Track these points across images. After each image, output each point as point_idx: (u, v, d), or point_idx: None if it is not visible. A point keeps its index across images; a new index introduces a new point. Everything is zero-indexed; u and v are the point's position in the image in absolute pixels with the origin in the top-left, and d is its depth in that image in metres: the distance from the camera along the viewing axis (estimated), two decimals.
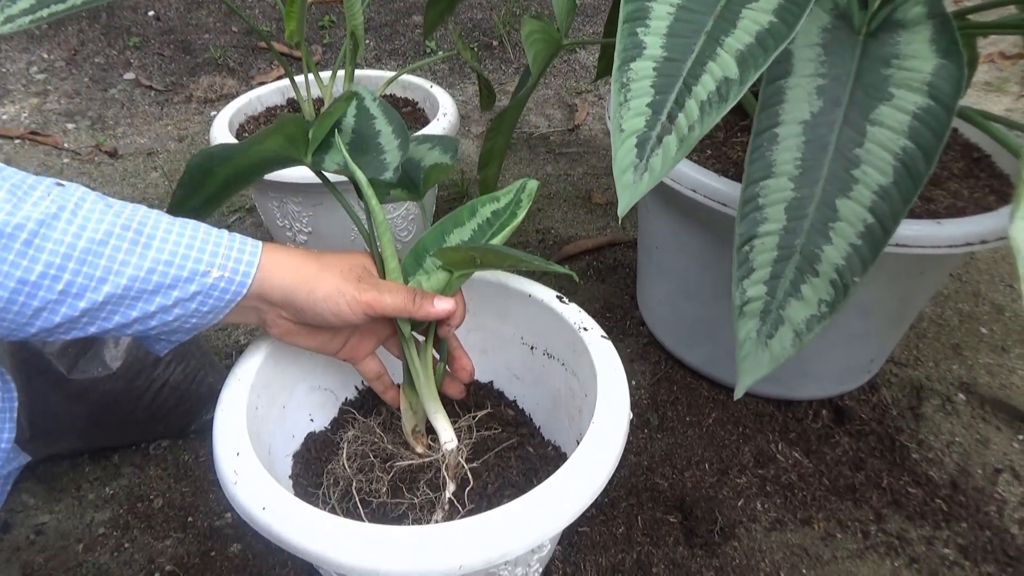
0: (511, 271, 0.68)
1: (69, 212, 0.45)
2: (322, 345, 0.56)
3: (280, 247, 0.53)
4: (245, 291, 0.50)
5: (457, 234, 0.58)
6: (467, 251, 0.51)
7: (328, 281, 0.51)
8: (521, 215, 0.56)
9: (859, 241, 0.48)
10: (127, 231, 0.46)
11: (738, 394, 0.50)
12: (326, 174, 0.57)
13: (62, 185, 0.46)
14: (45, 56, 1.77)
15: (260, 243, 0.51)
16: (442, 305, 0.54)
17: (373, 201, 0.54)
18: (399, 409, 0.60)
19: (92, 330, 0.47)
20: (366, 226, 0.57)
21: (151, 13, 1.91)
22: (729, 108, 0.44)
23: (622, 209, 0.44)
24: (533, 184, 0.56)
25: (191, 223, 0.50)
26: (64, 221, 0.44)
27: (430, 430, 0.59)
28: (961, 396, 0.90)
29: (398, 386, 0.61)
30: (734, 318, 0.51)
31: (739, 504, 0.76)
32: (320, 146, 0.56)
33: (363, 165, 0.55)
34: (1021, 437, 0.84)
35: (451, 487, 0.55)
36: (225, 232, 0.51)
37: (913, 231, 0.63)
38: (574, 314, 0.61)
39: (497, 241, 0.56)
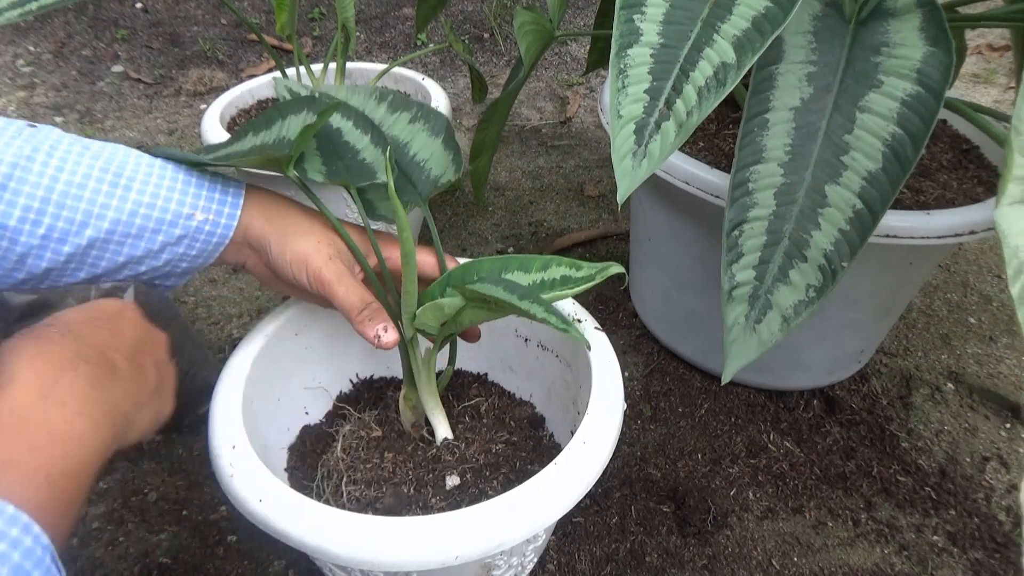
0: None
1: (44, 154, 0.43)
2: (301, 295, 0.55)
3: (268, 193, 0.51)
4: (231, 233, 0.48)
5: (517, 277, 0.53)
6: (480, 292, 0.47)
7: (302, 244, 0.49)
8: (584, 288, 0.51)
9: (847, 227, 0.49)
10: (106, 173, 0.45)
11: (725, 378, 0.51)
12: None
13: (34, 127, 0.45)
14: (31, 49, 1.75)
15: (244, 184, 0.50)
16: (383, 336, 0.49)
17: (404, 224, 0.47)
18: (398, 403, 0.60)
19: (82, 276, 0.46)
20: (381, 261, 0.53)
21: (139, 5, 1.89)
22: (727, 93, 0.44)
23: (621, 195, 0.44)
24: (617, 269, 0.51)
25: (171, 165, 0.48)
26: (39, 163, 0.43)
27: (428, 420, 0.59)
28: (950, 385, 0.91)
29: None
30: (723, 303, 0.51)
31: (731, 493, 0.77)
32: (300, 157, 0.53)
33: (343, 171, 0.53)
34: (1008, 426, 0.85)
35: (448, 480, 0.56)
36: (207, 174, 0.49)
37: (903, 222, 0.64)
38: (568, 306, 0.62)
39: (549, 297, 0.51)
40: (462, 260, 0.64)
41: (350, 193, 0.54)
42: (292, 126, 0.53)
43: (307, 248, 0.50)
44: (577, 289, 0.50)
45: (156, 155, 0.49)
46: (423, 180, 0.56)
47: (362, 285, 0.51)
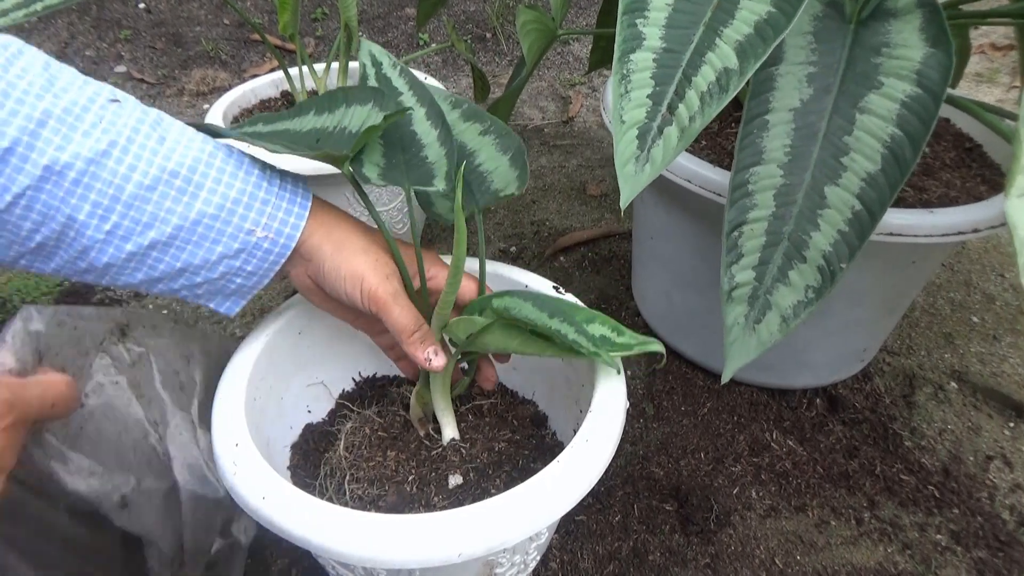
0: (507, 261, 0.68)
1: (119, 150, 0.44)
2: (337, 311, 0.56)
3: (332, 211, 0.52)
4: (288, 253, 0.49)
5: (554, 323, 0.51)
6: (509, 312, 0.47)
7: (359, 262, 0.50)
8: (618, 355, 0.50)
9: (847, 228, 0.49)
10: (175, 178, 0.46)
11: (725, 378, 0.51)
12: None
13: (117, 102, 0.46)
14: None
15: (309, 203, 0.51)
16: (433, 360, 0.51)
17: (462, 238, 0.46)
18: (412, 382, 0.60)
19: (140, 277, 0.47)
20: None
21: (141, 5, 1.89)
22: (730, 99, 0.44)
23: (624, 200, 0.44)
24: (656, 347, 0.50)
25: (243, 170, 0.49)
26: (114, 160, 0.44)
27: (434, 418, 0.59)
28: (953, 384, 0.91)
29: None
30: (722, 303, 0.52)
31: (734, 492, 0.77)
32: (357, 152, 0.52)
33: (402, 166, 0.52)
34: (1012, 424, 0.85)
35: (450, 478, 0.56)
36: (276, 185, 0.50)
37: (906, 220, 0.64)
38: None
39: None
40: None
41: (405, 191, 0.52)
42: (355, 117, 0.51)
43: (365, 265, 0.50)
44: (612, 355, 0.50)
45: (206, 132, 0.50)
46: (482, 190, 0.55)
47: (414, 307, 0.52)
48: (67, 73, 0.45)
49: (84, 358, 0.51)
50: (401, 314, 0.50)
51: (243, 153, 0.50)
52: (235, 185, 0.48)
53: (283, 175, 0.51)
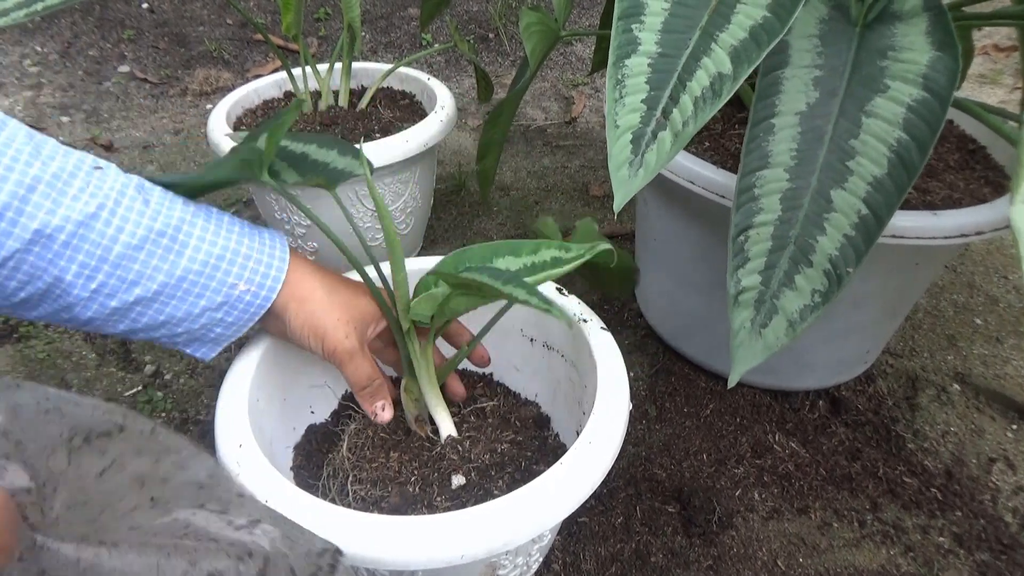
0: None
1: (107, 212, 0.45)
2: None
3: (307, 265, 0.54)
4: (268, 306, 0.51)
5: (506, 262, 0.53)
6: (464, 279, 0.48)
7: (321, 321, 0.53)
8: (574, 267, 0.51)
9: (853, 232, 0.49)
10: (162, 237, 0.47)
11: (732, 382, 0.51)
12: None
13: (100, 168, 0.47)
14: (38, 49, 1.76)
15: (288, 258, 0.53)
16: (379, 414, 0.57)
17: (385, 211, 0.51)
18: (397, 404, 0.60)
19: (121, 328, 0.49)
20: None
21: (145, 5, 1.90)
22: (723, 103, 0.44)
23: (618, 204, 0.44)
24: (606, 245, 0.51)
25: (225, 226, 0.51)
26: (102, 222, 0.45)
27: (432, 420, 0.59)
28: (956, 386, 0.91)
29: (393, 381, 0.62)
30: (729, 307, 0.52)
31: (737, 494, 0.77)
32: (276, 171, 0.57)
33: (317, 177, 0.56)
34: (1015, 427, 0.85)
35: (453, 479, 0.56)
36: (257, 240, 0.52)
37: (910, 222, 0.64)
38: (573, 306, 0.62)
39: (538, 278, 0.51)
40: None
41: (332, 193, 0.56)
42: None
43: (326, 325, 0.53)
44: (566, 268, 0.52)
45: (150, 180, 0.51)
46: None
47: (370, 361, 0.56)
48: (51, 142, 0.46)
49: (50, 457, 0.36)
50: (355, 371, 0.54)
51: (222, 212, 0.53)
52: (218, 242, 0.50)
53: (262, 231, 0.54)
